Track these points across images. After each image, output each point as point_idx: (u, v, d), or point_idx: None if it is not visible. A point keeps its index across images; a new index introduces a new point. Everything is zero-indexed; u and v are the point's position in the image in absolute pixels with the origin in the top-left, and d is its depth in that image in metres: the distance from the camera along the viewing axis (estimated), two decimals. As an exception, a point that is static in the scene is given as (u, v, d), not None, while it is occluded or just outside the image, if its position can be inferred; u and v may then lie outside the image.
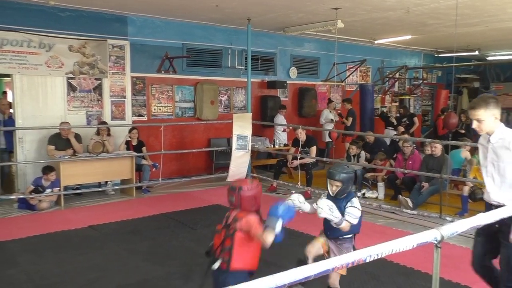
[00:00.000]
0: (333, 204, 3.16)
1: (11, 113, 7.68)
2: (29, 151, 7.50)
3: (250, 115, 8.62)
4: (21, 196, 6.76)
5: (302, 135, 7.92)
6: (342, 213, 3.24)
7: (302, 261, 3.40)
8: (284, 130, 10.06)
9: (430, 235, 2.00)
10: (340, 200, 3.31)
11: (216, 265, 2.84)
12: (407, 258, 4.44)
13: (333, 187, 3.32)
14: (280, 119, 9.91)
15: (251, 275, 2.95)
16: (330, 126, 10.45)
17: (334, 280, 3.40)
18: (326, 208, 3.11)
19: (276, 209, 2.77)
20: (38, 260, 4.63)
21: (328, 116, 10.64)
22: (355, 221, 3.28)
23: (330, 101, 11.04)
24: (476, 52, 12.41)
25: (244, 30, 8.84)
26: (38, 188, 6.68)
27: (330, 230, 3.39)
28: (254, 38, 9.35)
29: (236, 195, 2.91)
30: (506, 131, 3.14)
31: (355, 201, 3.33)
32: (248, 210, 2.90)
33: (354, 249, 3.37)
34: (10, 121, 7.47)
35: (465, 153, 7.40)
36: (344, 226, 3.22)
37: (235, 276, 2.80)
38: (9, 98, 9.00)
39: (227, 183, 8.29)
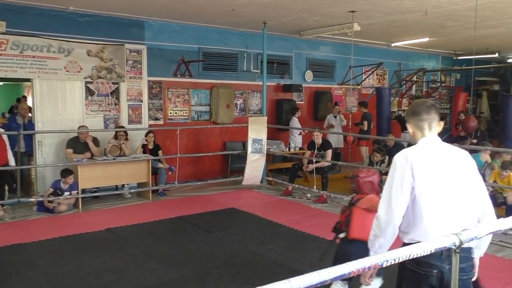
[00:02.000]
0: None
1: (30, 117, 7.83)
2: (48, 154, 7.62)
3: (265, 118, 8.62)
4: (41, 199, 6.87)
5: (318, 138, 7.89)
6: None
7: None
8: (300, 134, 10.00)
9: (448, 240, 1.97)
10: None
11: (342, 235, 3.58)
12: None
13: None
14: (295, 122, 9.86)
15: None
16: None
17: None
18: None
19: None
20: (57, 262, 4.69)
21: (329, 121, 10.44)
22: None
23: (335, 104, 10.80)
24: (496, 55, 12.18)
25: (259, 33, 8.86)
26: (57, 191, 6.79)
27: None
28: (270, 42, 9.35)
29: (355, 181, 3.59)
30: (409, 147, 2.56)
31: None
32: (366, 193, 3.56)
33: None
34: (30, 124, 7.61)
35: (485, 157, 7.28)
36: None
37: (355, 245, 3.38)
38: (29, 102, 9.19)
39: (243, 186, 8.38)
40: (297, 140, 9.92)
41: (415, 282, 2.37)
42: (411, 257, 1.87)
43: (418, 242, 2.13)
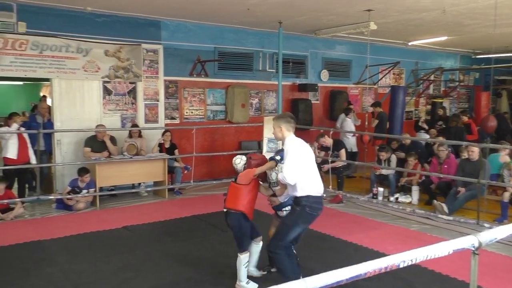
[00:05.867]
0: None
1: (50, 116, 7.96)
2: (67, 153, 7.74)
3: (281, 118, 8.57)
4: (59, 197, 6.99)
5: (327, 142, 7.75)
6: None
7: None
8: (354, 135, 9.67)
9: (467, 242, 1.95)
10: None
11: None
12: (442, 265, 4.32)
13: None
14: (348, 123, 9.52)
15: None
16: (352, 135, 9.84)
17: None
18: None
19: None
20: (75, 259, 4.77)
21: (342, 122, 9.80)
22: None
23: (349, 104, 10.31)
24: (516, 53, 11.97)
25: (275, 33, 8.85)
26: (75, 189, 6.89)
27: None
28: (286, 41, 9.33)
29: (248, 162, 4.45)
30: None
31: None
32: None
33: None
34: (49, 123, 7.74)
35: (504, 158, 7.15)
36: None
37: (229, 214, 4.27)
38: (48, 102, 9.33)
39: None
40: (350, 141, 9.55)
41: (308, 220, 3.84)
42: (428, 259, 1.85)
43: None
